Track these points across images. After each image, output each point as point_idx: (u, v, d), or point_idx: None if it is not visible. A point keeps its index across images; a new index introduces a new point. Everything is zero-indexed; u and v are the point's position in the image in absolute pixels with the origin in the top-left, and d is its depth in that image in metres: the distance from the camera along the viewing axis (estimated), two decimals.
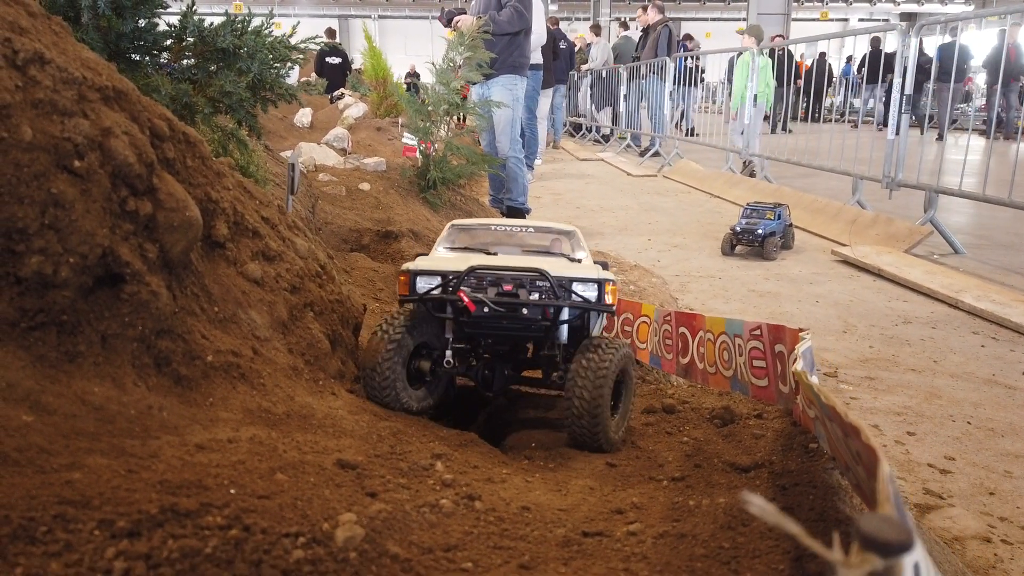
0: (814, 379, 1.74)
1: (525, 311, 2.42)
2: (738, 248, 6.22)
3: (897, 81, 6.40)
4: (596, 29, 16.47)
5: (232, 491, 1.17)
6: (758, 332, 2.24)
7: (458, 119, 6.77)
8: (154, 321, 1.52)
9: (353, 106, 10.36)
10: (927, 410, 3.22)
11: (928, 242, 6.18)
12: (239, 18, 3.07)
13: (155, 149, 1.66)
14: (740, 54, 10.54)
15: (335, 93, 12.13)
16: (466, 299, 2.35)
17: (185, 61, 2.93)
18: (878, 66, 15.40)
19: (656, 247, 6.50)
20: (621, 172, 11.59)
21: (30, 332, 1.31)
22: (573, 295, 2.48)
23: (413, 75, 22.13)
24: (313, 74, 14.24)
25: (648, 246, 6.54)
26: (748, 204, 6.46)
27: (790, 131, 12.41)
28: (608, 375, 2.42)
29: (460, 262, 2.53)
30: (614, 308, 2.53)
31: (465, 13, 6.41)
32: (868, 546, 0.70)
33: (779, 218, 6.18)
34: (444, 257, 2.70)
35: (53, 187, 1.32)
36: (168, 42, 2.89)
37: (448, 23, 6.39)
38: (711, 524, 1.38)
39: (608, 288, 2.50)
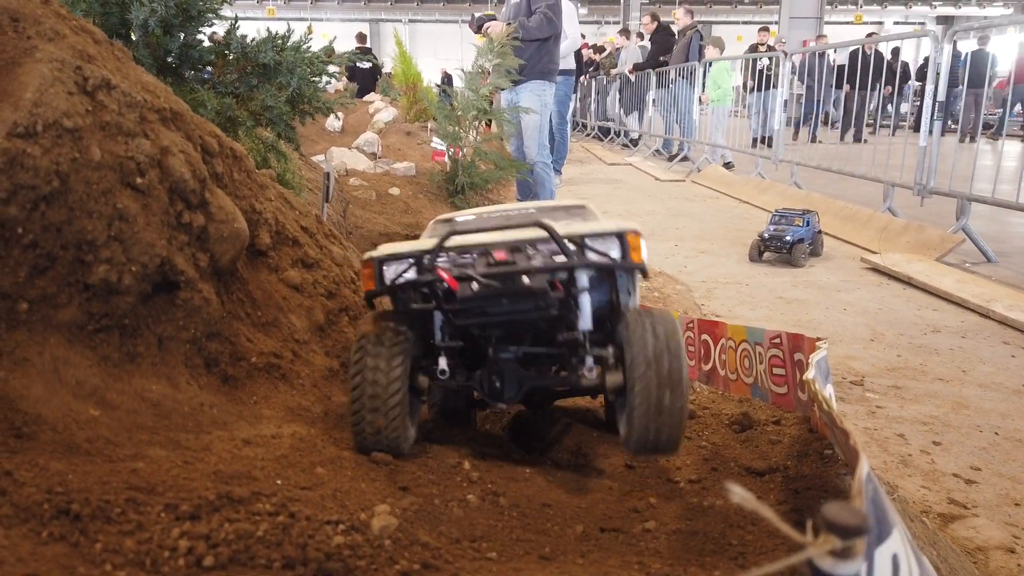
0: (828, 388, 1.82)
1: (527, 280, 1.93)
2: (766, 255, 6.24)
3: (929, 87, 6.37)
4: (626, 33, 16.50)
5: (278, 482, 1.28)
6: (778, 340, 2.30)
7: (487, 123, 6.88)
8: (205, 325, 1.65)
9: (383, 111, 10.53)
10: (954, 420, 3.24)
11: (960, 250, 6.14)
12: (279, 34, 3.22)
13: (206, 164, 1.79)
14: (711, 64, 11.63)
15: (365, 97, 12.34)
16: (445, 276, 1.91)
17: (228, 76, 3.08)
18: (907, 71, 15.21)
19: (683, 253, 6.54)
20: (649, 177, 11.61)
21: (96, 334, 1.44)
22: (589, 253, 1.99)
23: (446, 80, 22.37)
24: (344, 79, 14.49)
25: (675, 252, 6.58)
26: (776, 210, 6.48)
27: (819, 140, 11.89)
28: (682, 344, 1.94)
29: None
30: (645, 266, 2.02)
31: (495, 19, 6.52)
32: (829, 529, 0.80)
33: (808, 224, 6.19)
34: (417, 241, 2.25)
35: (118, 202, 1.45)
36: (212, 57, 3.04)
37: (478, 29, 6.49)
38: (722, 523, 1.47)
39: (632, 241, 1.99)
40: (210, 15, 2.83)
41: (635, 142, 15.82)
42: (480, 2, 32.14)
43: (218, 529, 1.07)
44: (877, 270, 5.85)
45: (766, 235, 6.16)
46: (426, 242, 2.02)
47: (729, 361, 2.64)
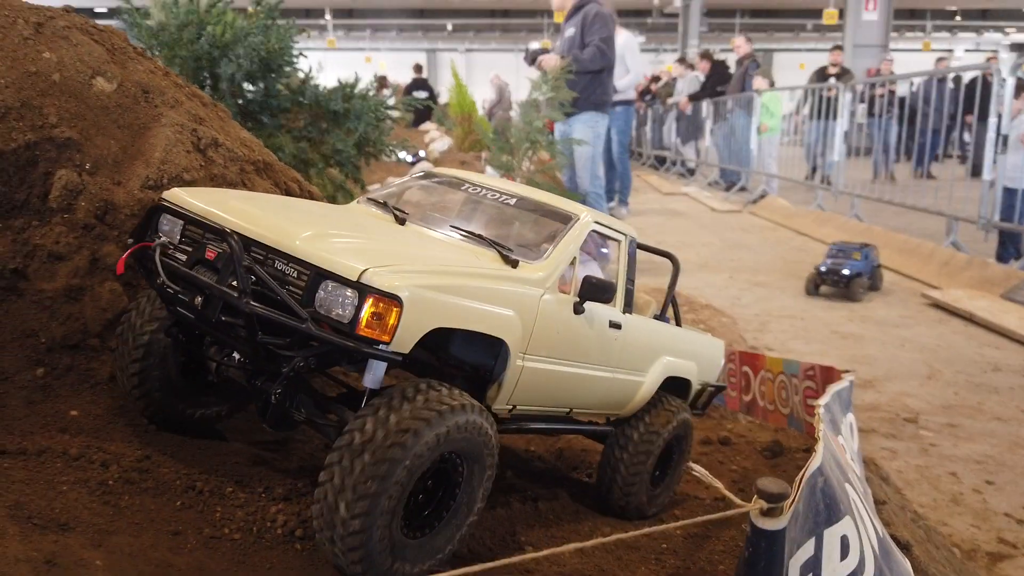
0: (848, 417, 1.87)
1: (199, 301, 1.72)
2: (823, 288, 6.15)
3: (992, 120, 6.24)
4: (683, 62, 16.53)
5: None
6: (812, 372, 2.33)
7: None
8: None
9: (438, 140, 10.77)
10: (1009, 460, 3.16)
11: None
12: (348, 83, 3.43)
13: None
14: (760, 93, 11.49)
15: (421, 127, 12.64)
16: (123, 258, 1.77)
17: (301, 121, 3.30)
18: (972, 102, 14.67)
19: (737, 285, 6.50)
20: (705, 207, 11.55)
21: None
22: (322, 299, 1.64)
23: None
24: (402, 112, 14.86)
25: (729, 284, 6.54)
26: (834, 243, 6.39)
27: (892, 177, 11.11)
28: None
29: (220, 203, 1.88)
30: (382, 350, 1.62)
31: (548, 52, 6.66)
32: (760, 495, 1.14)
33: (866, 258, 6.09)
34: (228, 198, 2.00)
35: None
36: (288, 105, 3.28)
37: (532, 62, 6.63)
38: (735, 531, 1.57)
39: (378, 307, 1.59)
40: (287, 68, 3.08)
41: (691, 171, 15.76)
42: (536, 31, 32.61)
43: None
44: (938, 306, 5.71)
45: (823, 268, 6.08)
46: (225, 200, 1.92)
47: (768, 392, 2.68)
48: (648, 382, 2.45)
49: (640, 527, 1.63)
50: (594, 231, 2.25)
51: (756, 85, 11.60)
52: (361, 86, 3.45)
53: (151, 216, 1.90)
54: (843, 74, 11.77)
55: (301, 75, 3.30)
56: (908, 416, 3.67)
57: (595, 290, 2.06)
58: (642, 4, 27.32)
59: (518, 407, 2.09)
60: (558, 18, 7.18)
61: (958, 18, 35.30)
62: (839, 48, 12.88)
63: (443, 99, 16.39)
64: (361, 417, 1.61)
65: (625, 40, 8.58)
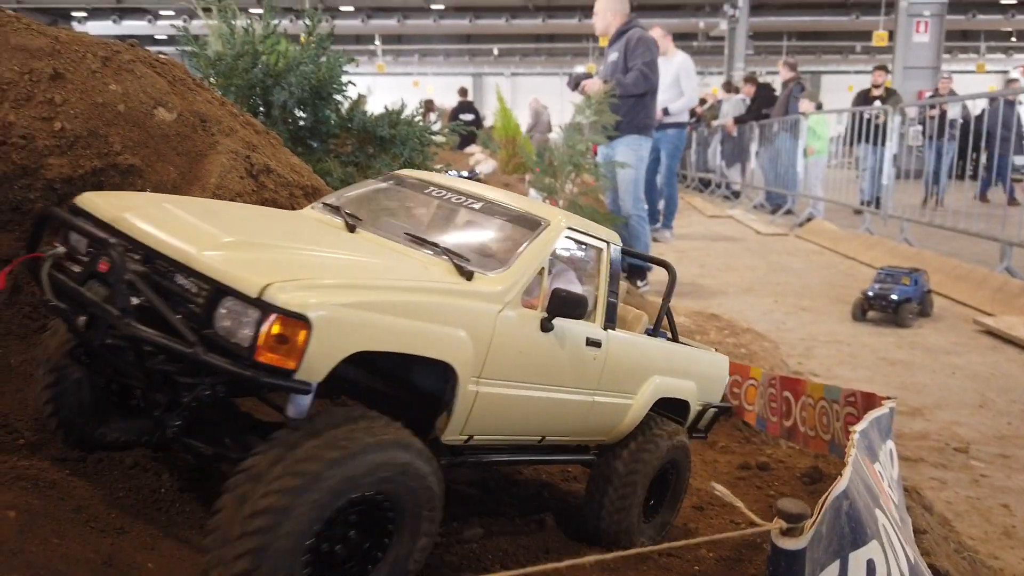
0: (888, 444, 1.85)
1: (82, 321, 1.57)
2: (870, 314, 6.03)
3: None
4: (728, 86, 16.46)
5: None
6: (853, 399, 2.30)
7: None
8: None
9: (483, 163, 10.90)
10: None
11: None
12: (394, 110, 3.55)
13: None
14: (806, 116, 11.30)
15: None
16: (5, 271, 1.66)
17: (348, 146, 3.42)
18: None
19: (782, 309, 6.42)
20: (750, 230, 11.44)
21: None
22: (219, 319, 1.46)
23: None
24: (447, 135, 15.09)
25: (774, 308, 6.46)
26: (882, 268, 6.28)
27: (939, 203, 10.74)
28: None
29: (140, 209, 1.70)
30: (285, 380, 1.43)
31: (591, 77, 6.72)
32: (779, 515, 1.19)
33: (916, 283, 5.96)
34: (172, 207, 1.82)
35: None
36: (337, 131, 3.41)
37: (575, 87, 6.70)
38: (766, 554, 1.62)
39: (283, 329, 1.40)
40: (336, 96, 3.21)
41: (736, 194, 15.62)
42: (581, 55, 32.83)
43: None
44: (991, 333, 5.55)
45: (870, 293, 5.97)
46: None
47: (808, 418, 2.65)
48: (637, 405, 2.23)
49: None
50: (569, 238, 2.04)
51: (802, 108, 11.48)
52: (407, 112, 3.57)
53: (40, 224, 1.69)
54: (888, 95, 11.36)
55: (350, 102, 3.45)
56: (958, 446, 3.57)
57: (565, 304, 1.83)
58: (688, 27, 27.30)
59: (476, 437, 1.86)
60: (603, 42, 7.24)
61: (1013, 39, 34.39)
62: (883, 68, 12.26)
63: (488, 122, 16.59)
64: (260, 452, 1.42)
65: (681, 62, 8.58)
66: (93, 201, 1.76)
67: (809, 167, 11.66)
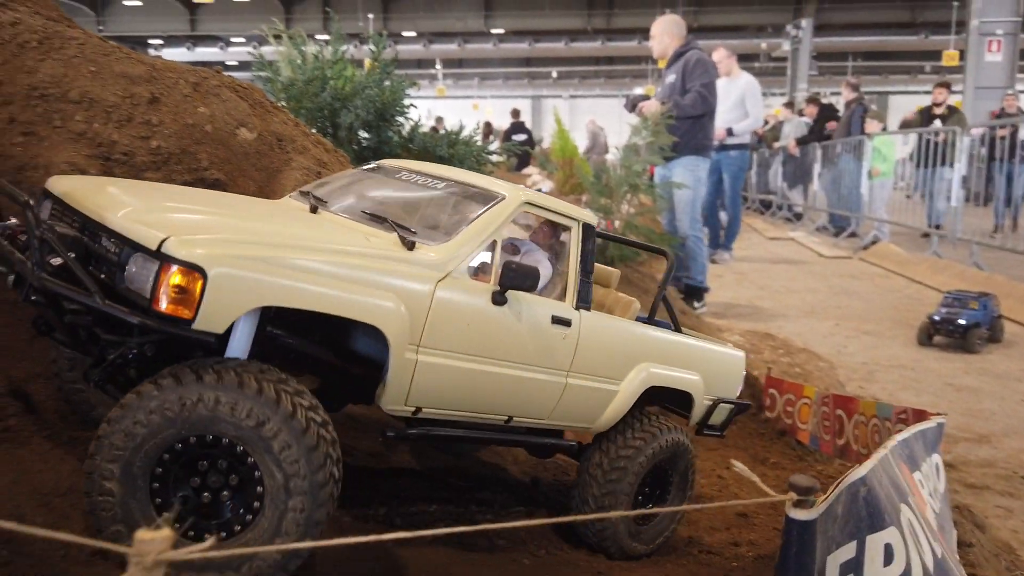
0: (933, 458, 1.85)
1: (11, 280, 1.69)
2: (936, 338, 5.86)
3: None
4: (790, 106, 16.25)
5: None
6: (904, 416, 2.29)
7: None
8: None
9: (540, 183, 11.00)
10: None
11: None
12: (452, 132, 3.71)
13: None
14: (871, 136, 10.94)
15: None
16: None
17: None
18: None
19: (843, 332, 6.29)
20: (812, 252, 11.22)
21: None
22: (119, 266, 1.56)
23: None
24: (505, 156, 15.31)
25: (835, 331, 6.33)
26: (949, 292, 6.10)
27: (1015, 226, 10.22)
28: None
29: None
30: (179, 324, 1.51)
31: (648, 99, 6.76)
32: (791, 488, 1.30)
33: (984, 308, 5.77)
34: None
35: None
36: (399, 151, 3.59)
37: (632, 109, 6.74)
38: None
39: (174, 279, 1.48)
40: (399, 118, 3.41)
41: (799, 216, 15.33)
42: (640, 77, 32.84)
43: None
44: None
45: (937, 318, 5.81)
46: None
47: (861, 436, 2.62)
48: (623, 392, 2.16)
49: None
50: (529, 213, 2.03)
51: (869, 128, 11.21)
52: (465, 133, 3.72)
53: None
54: (951, 114, 10.82)
55: (411, 123, 3.65)
56: None
57: (515, 276, 1.83)
58: (750, 48, 27.09)
59: (425, 410, 1.85)
60: (662, 64, 7.28)
61: None
62: (944, 86, 11.52)
63: (546, 144, 16.76)
64: (136, 391, 1.52)
65: (747, 83, 8.54)
66: (55, 182, 1.92)
67: (875, 189, 11.38)
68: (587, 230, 2.14)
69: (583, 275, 2.10)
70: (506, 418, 2.03)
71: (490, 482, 2.74)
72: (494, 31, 27.28)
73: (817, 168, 13.22)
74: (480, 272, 1.94)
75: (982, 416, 4.26)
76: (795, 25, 23.93)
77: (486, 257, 1.90)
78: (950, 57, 20.30)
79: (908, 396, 4.58)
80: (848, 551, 1.33)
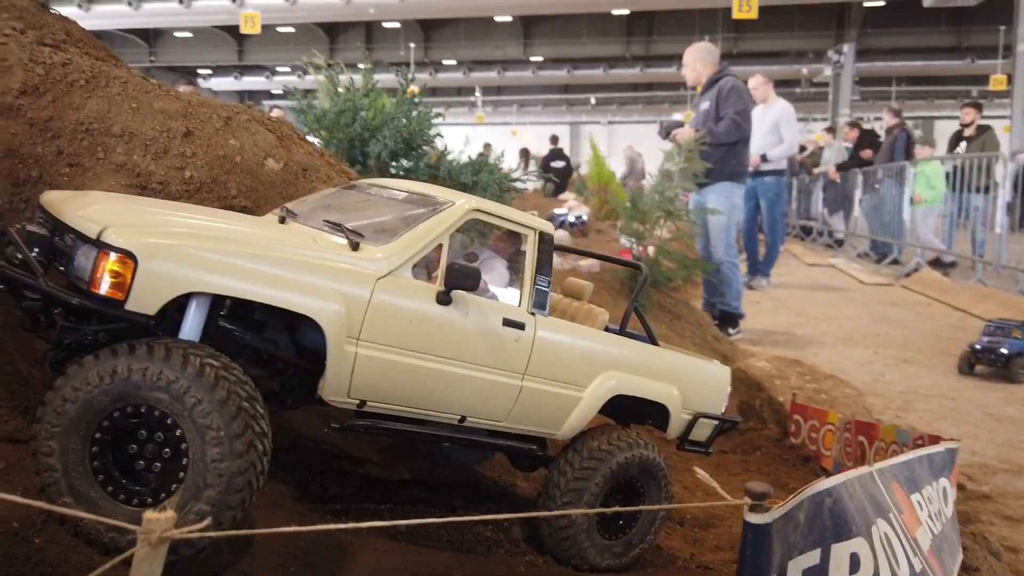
0: (942, 482, 1.83)
1: None
2: (978, 368, 5.72)
3: None
4: (831, 132, 16.08)
5: None
6: (921, 441, 2.27)
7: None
8: None
9: (576, 209, 11.05)
10: None
11: None
12: (477, 160, 3.80)
13: None
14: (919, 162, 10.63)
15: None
16: None
17: None
18: None
19: (882, 360, 6.17)
20: (853, 279, 11.03)
21: None
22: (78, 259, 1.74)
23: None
24: (541, 181, 15.46)
25: (873, 359, 6.22)
26: (991, 320, 5.96)
27: None
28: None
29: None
30: (116, 307, 1.69)
31: (682, 126, 6.78)
32: (747, 493, 1.35)
33: None
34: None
35: None
36: (426, 178, 3.70)
37: (666, 136, 6.77)
38: None
39: (110, 264, 1.68)
40: (426, 147, 3.54)
41: (840, 242, 15.10)
42: (679, 103, 32.82)
43: None
44: None
45: (978, 346, 5.68)
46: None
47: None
48: (587, 399, 2.19)
49: None
50: (486, 222, 2.15)
51: (920, 154, 10.93)
52: (492, 159, 3.82)
53: None
54: (979, 133, 10.35)
55: (438, 152, 3.76)
56: None
57: (457, 276, 1.92)
58: (791, 74, 26.90)
59: (371, 404, 1.94)
60: (700, 90, 7.30)
61: None
62: (974, 106, 11.10)
63: (583, 170, 16.86)
64: (78, 362, 1.69)
65: (782, 110, 8.52)
66: (43, 195, 2.14)
67: (919, 216, 11.16)
68: (543, 238, 2.23)
69: (541, 280, 2.18)
70: (459, 417, 2.09)
71: (496, 495, 2.81)
72: (533, 59, 27.56)
73: (858, 194, 13.04)
74: (432, 275, 2.07)
75: (1023, 447, 4.14)
76: (837, 51, 23.72)
77: (432, 258, 2.03)
78: (997, 81, 19.89)
79: (946, 426, 4.47)
80: (811, 558, 1.39)
